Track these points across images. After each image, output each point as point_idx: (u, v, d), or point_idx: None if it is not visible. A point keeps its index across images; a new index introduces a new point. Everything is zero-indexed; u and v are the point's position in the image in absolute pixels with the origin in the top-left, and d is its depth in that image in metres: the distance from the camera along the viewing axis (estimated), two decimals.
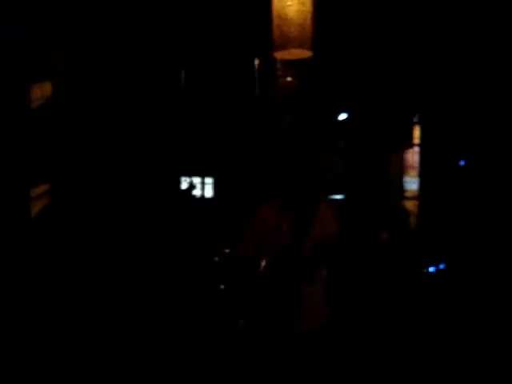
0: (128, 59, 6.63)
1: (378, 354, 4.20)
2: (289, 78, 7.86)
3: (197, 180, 8.12)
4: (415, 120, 7.68)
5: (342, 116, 7.95)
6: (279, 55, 4.09)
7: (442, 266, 5.37)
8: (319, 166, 3.30)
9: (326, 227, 2.86)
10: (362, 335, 4.49)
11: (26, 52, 6.20)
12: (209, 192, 8.33)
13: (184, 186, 7.58)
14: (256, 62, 7.16)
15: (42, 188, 5.77)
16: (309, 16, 3.85)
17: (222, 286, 4.38)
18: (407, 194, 8.55)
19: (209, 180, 8.43)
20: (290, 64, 7.13)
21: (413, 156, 8.71)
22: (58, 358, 4.15)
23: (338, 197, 7.61)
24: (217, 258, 4.76)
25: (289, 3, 3.80)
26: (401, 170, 8.69)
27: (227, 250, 4.60)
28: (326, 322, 2.91)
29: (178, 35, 6.49)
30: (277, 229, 2.88)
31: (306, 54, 4.03)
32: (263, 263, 2.74)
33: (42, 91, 6.41)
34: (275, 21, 3.87)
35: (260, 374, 2.82)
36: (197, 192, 7.64)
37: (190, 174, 7.61)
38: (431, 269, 5.49)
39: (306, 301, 2.78)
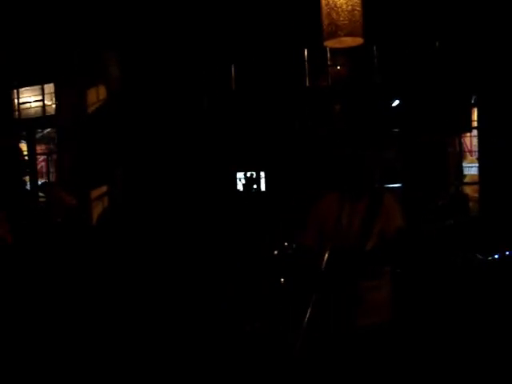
0: (179, 56, 6.70)
1: (442, 349, 4.10)
2: (338, 67, 7.77)
3: (249, 175, 8.15)
4: (473, 102, 7.41)
5: (396, 102, 7.78)
6: (329, 44, 4.02)
7: (508, 253, 5.17)
8: (376, 155, 3.23)
9: (391, 220, 2.78)
10: (428, 329, 4.37)
11: (82, 57, 6.38)
12: (262, 186, 8.35)
13: (241, 181, 7.60)
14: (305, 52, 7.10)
15: (102, 189, 5.93)
16: (358, 2, 3.77)
17: (283, 280, 4.37)
18: (466, 180, 8.28)
19: (262, 174, 8.44)
20: (339, 52, 7.04)
21: (471, 140, 8.44)
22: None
23: (395, 186, 7.45)
24: (276, 252, 4.75)
25: None
26: (459, 154, 8.43)
27: (286, 243, 4.58)
28: (390, 317, 2.85)
29: (228, 29, 6.51)
30: (337, 221, 2.83)
31: (356, 41, 3.95)
32: (325, 256, 2.70)
33: (97, 95, 6.58)
34: (324, 9, 3.81)
35: (322, 366, 2.80)
36: (252, 186, 7.64)
37: (245, 169, 7.62)
38: (496, 255, 5.31)
39: (369, 295, 2.72)
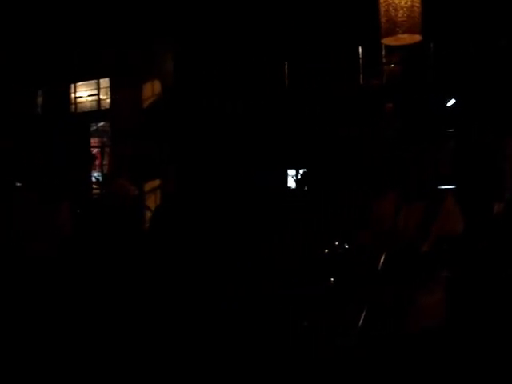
0: (233, 52, 6.73)
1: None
2: (392, 65, 7.63)
3: (292, 172, 8.12)
4: None
5: (451, 101, 7.60)
6: (387, 41, 3.96)
7: None
8: (432, 156, 3.15)
9: (451, 223, 2.70)
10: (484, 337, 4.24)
11: (137, 53, 6.49)
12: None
13: (292, 178, 7.60)
14: (360, 49, 7.01)
15: (155, 183, 6.01)
16: None
17: (332, 279, 4.33)
18: None
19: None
20: (394, 50, 6.91)
21: None
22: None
23: (449, 187, 7.26)
24: (326, 250, 4.70)
25: None
26: None
27: (337, 243, 4.53)
28: (444, 322, 2.77)
29: (282, 25, 6.50)
30: (394, 223, 2.78)
31: (414, 38, 3.87)
32: (382, 258, 2.66)
33: (152, 89, 6.68)
34: (382, 6, 3.76)
35: (375, 368, 2.75)
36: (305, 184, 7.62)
37: (297, 167, 7.61)
38: None
39: (423, 298, 2.66)
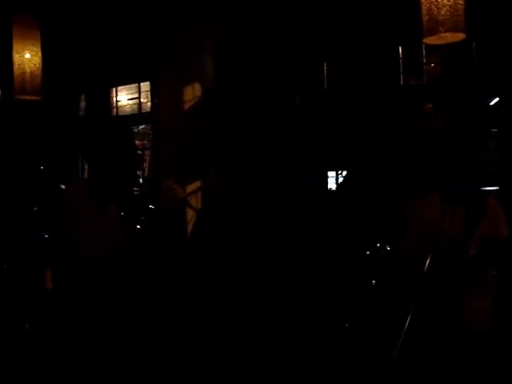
0: (272, 54, 6.77)
1: None
2: (433, 64, 7.52)
3: (332, 174, 8.10)
4: None
5: (495, 101, 7.44)
6: (429, 41, 3.90)
7: None
8: (475, 157, 3.10)
9: (494, 225, 2.66)
10: None
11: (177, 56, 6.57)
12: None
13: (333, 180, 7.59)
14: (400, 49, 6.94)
15: (196, 184, 6.06)
16: None
17: (374, 282, 4.30)
18: None
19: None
20: (435, 49, 6.81)
21: None
22: None
23: (491, 189, 7.11)
24: (368, 252, 4.67)
25: None
26: None
27: (379, 244, 4.50)
28: (492, 326, 2.72)
29: (320, 26, 6.49)
30: (439, 224, 2.75)
31: (457, 37, 3.81)
32: (427, 260, 2.62)
33: (193, 92, 6.76)
34: (424, 4, 3.71)
35: (420, 371, 2.72)
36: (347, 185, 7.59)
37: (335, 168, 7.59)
38: None
39: (471, 302, 2.62)
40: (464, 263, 2.59)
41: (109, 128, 3.86)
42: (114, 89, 8.91)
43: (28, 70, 5.10)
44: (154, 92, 8.20)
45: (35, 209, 6.35)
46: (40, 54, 5.14)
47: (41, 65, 5.14)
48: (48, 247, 5.67)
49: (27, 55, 5.09)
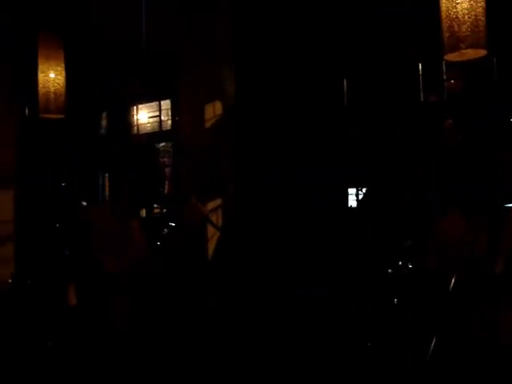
0: (292, 72, 6.80)
1: None
2: (453, 81, 7.48)
3: (353, 191, 8.07)
4: None
5: None
6: (450, 57, 3.89)
7: None
8: (497, 172, 3.07)
9: None
10: None
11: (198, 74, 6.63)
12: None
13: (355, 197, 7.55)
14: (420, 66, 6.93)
15: (217, 202, 6.07)
16: (482, 11, 3.61)
17: (396, 301, 4.24)
18: None
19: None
20: (455, 65, 6.78)
21: None
22: None
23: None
24: (390, 270, 4.62)
25: (458, 0, 3.61)
26: None
27: (401, 262, 4.45)
28: None
29: (340, 43, 6.52)
30: (462, 241, 2.71)
31: (479, 53, 3.78)
32: (453, 278, 2.59)
33: (214, 110, 6.82)
34: (445, 22, 3.69)
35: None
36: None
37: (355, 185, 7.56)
38: None
39: (504, 315, 2.57)
40: (494, 278, 2.55)
41: (134, 146, 3.90)
42: (135, 107, 9.01)
43: (52, 89, 5.18)
44: (174, 110, 8.28)
45: (57, 225, 6.42)
46: (64, 73, 5.23)
47: (65, 84, 5.22)
48: (70, 263, 5.72)
49: (52, 75, 5.18)
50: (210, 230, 6.37)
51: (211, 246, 6.32)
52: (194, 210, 3.48)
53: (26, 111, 5.38)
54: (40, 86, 5.16)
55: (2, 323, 4.23)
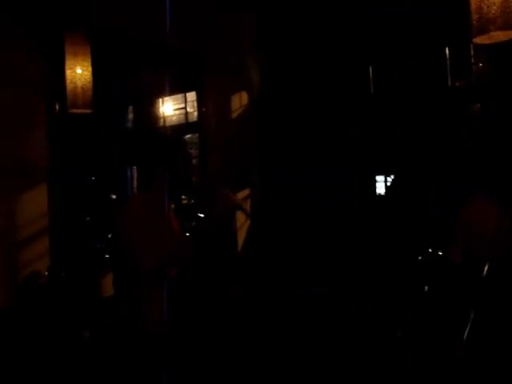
0: (318, 60, 6.77)
1: None
2: (481, 64, 7.34)
3: (380, 178, 7.99)
4: None
5: None
6: (479, 40, 3.82)
7: None
8: None
9: None
10: None
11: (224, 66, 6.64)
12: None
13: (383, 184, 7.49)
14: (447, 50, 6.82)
15: (245, 193, 6.10)
16: None
17: (427, 288, 4.21)
18: None
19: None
20: (483, 48, 6.66)
21: None
22: None
23: None
24: (420, 258, 4.59)
25: None
26: None
27: (431, 250, 4.42)
28: None
29: (366, 29, 6.46)
30: (494, 229, 2.67)
31: (508, 35, 3.71)
32: (485, 268, 2.56)
33: (240, 101, 6.83)
34: (473, 3, 3.63)
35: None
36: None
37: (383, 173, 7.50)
38: None
39: None
40: None
41: (162, 138, 3.93)
42: (161, 99, 9.07)
43: (79, 85, 5.24)
44: (200, 101, 8.31)
45: (88, 219, 6.52)
46: (90, 68, 5.29)
47: (91, 79, 5.28)
48: (102, 257, 5.82)
49: (79, 70, 5.23)
50: (239, 220, 6.41)
51: (240, 237, 6.37)
52: (225, 198, 3.48)
53: (57, 107, 5.46)
54: (68, 81, 5.24)
55: (40, 314, 4.33)
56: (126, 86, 8.07)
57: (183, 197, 9.14)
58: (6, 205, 5.01)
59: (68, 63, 5.19)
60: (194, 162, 9.33)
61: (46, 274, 4.89)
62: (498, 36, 3.73)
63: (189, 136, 9.84)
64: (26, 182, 5.20)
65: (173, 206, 3.67)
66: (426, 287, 4.36)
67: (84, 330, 4.13)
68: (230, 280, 4.98)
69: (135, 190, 7.82)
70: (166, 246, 3.00)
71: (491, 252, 2.58)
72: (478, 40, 3.77)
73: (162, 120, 9.11)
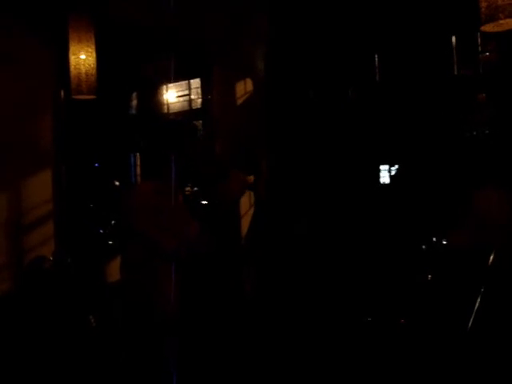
0: (323, 48, 6.74)
1: None
2: (488, 53, 7.28)
3: (384, 168, 7.99)
4: None
5: None
6: (487, 28, 3.80)
7: None
8: None
9: None
10: None
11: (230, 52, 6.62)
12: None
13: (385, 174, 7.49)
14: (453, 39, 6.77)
15: (250, 178, 6.05)
16: None
17: (430, 277, 4.22)
18: None
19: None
20: (492, 37, 6.61)
21: None
22: None
23: None
24: (424, 247, 4.60)
25: None
26: None
27: (434, 239, 4.42)
28: None
29: (371, 16, 6.43)
30: (502, 215, 2.67)
31: None
32: (492, 256, 2.55)
33: (245, 88, 6.81)
34: None
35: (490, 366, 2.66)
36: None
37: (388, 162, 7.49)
38: None
39: None
40: None
41: (166, 125, 3.92)
42: (165, 86, 9.05)
43: (83, 71, 5.22)
44: (205, 88, 8.29)
45: (91, 205, 6.54)
46: (95, 54, 5.27)
47: (95, 65, 5.27)
48: (105, 243, 5.83)
49: (82, 56, 5.22)
50: (243, 207, 6.42)
51: (244, 225, 6.38)
52: (237, 179, 3.46)
53: (62, 93, 5.46)
54: (72, 67, 5.22)
55: (46, 299, 4.36)
56: (132, 71, 8.04)
57: (188, 184, 9.14)
58: (11, 189, 5.02)
59: (72, 49, 5.17)
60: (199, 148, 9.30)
61: (51, 258, 4.92)
62: (508, 24, 3.70)
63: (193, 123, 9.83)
64: (32, 167, 5.21)
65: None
66: (430, 276, 4.37)
67: (89, 315, 4.15)
68: (236, 269, 5.02)
69: (138, 177, 7.83)
70: (185, 229, 2.99)
71: (502, 240, 2.58)
72: (486, 28, 3.75)
73: (166, 106, 9.09)
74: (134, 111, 9.10)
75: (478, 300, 2.57)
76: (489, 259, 2.60)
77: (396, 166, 7.28)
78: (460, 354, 2.76)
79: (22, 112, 5.20)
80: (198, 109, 8.77)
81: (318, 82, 6.73)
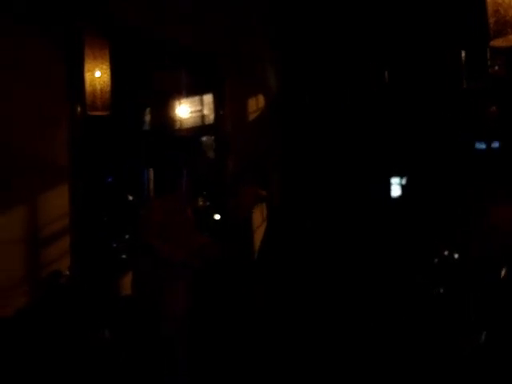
0: (333, 63, 6.80)
1: None
2: (496, 67, 7.32)
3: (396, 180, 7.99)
4: None
5: None
6: (496, 43, 3.83)
7: None
8: None
9: None
10: None
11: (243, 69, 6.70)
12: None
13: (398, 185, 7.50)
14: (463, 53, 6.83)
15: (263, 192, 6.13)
16: None
17: (442, 290, 4.22)
18: None
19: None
20: (499, 51, 6.65)
21: None
22: None
23: None
24: (436, 260, 4.60)
25: None
26: None
27: (446, 252, 4.42)
28: None
29: (384, 30, 6.49)
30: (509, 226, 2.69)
31: None
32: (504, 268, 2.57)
33: (257, 104, 6.89)
34: (490, 6, 3.64)
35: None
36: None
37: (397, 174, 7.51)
38: None
39: None
40: None
41: (178, 140, 3.99)
42: (178, 102, 9.13)
43: (98, 88, 5.34)
44: (217, 104, 8.37)
45: (105, 219, 6.61)
46: (109, 71, 5.38)
47: (110, 82, 5.37)
48: (119, 257, 5.88)
49: (97, 73, 5.33)
50: (256, 221, 6.46)
51: (257, 238, 6.42)
52: (251, 193, 3.50)
53: (78, 109, 5.56)
54: (87, 84, 5.34)
55: (61, 314, 4.41)
56: (145, 87, 8.15)
57: (200, 198, 9.19)
58: (28, 205, 5.09)
59: (87, 66, 5.29)
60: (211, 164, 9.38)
61: (67, 273, 4.97)
62: None
63: (205, 138, 9.90)
64: (48, 182, 5.28)
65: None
66: (442, 289, 4.37)
67: (104, 329, 4.19)
68: (246, 281, 5.04)
69: (151, 193, 7.90)
70: (192, 239, 3.04)
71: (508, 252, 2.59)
72: (494, 43, 3.79)
73: (178, 122, 9.17)
74: (147, 127, 9.20)
75: (491, 312, 2.59)
76: (504, 271, 2.62)
77: (407, 179, 7.32)
78: (472, 366, 2.77)
79: (38, 127, 5.28)
80: (210, 124, 8.85)
81: (331, 95, 6.80)
